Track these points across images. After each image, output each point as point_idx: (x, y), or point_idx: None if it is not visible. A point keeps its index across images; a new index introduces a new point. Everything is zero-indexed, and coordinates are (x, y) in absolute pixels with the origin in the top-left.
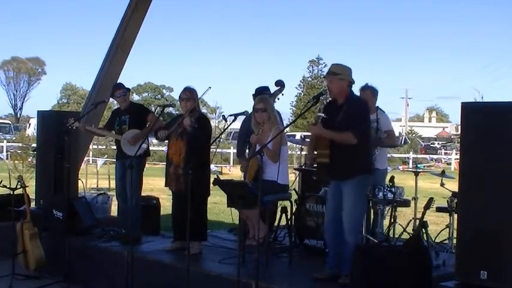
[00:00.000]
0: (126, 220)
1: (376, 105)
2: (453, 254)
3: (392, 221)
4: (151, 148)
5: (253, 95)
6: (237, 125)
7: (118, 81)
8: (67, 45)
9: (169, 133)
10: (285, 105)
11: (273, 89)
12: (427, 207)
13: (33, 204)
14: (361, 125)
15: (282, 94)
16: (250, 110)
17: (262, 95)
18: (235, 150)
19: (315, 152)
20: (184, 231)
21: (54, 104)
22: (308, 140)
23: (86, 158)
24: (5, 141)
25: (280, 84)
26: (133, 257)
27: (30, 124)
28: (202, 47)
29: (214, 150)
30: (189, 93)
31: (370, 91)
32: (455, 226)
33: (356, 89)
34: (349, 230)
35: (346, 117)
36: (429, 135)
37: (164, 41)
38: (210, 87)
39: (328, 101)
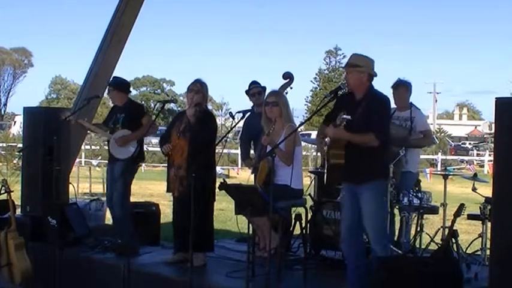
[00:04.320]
0: (119, 229)
1: (410, 101)
2: (486, 266)
3: (418, 229)
4: (150, 148)
5: (246, 91)
6: None
7: (115, 75)
8: (56, 35)
9: (170, 131)
10: (299, 101)
11: (280, 82)
12: (457, 214)
13: (18, 211)
14: (383, 124)
15: (291, 88)
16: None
17: (274, 90)
18: None
19: (331, 152)
20: (187, 240)
21: (42, 99)
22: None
23: (77, 160)
24: None
25: (288, 76)
26: (130, 270)
27: (15, 122)
28: (207, 36)
29: (221, 150)
30: (200, 86)
31: (405, 88)
32: (488, 235)
33: (382, 85)
34: (374, 239)
35: (366, 116)
36: (460, 134)
37: (165, 29)
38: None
39: (342, 93)
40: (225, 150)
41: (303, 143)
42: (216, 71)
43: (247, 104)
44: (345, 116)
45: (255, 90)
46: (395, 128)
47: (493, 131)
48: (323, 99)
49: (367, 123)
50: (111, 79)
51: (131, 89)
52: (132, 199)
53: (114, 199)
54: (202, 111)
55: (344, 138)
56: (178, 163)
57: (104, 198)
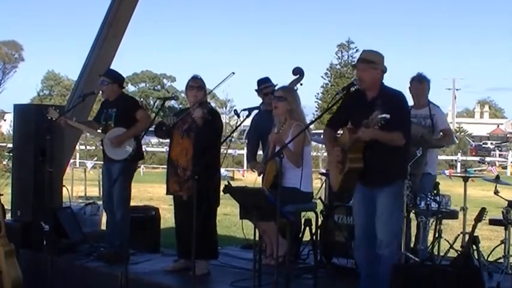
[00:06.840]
0: (112, 235)
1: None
2: (509, 275)
3: (437, 235)
4: (150, 149)
5: (256, 90)
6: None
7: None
8: (49, 27)
9: (172, 128)
10: (309, 98)
11: (290, 78)
12: (478, 219)
13: (8, 216)
14: (407, 122)
15: (301, 84)
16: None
17: (284, 85)
18: None
19: (348, 157)
20: (188, 247)
21: (34, 96)
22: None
23: (71, 161)
24: None
25: (298, 72)
26: (128, 279)
27: (5, 120)
28: (210, 29)
29: (225, 151)
30: (200, 82)
31: (427, 83)
32: (511, 242)
33: (396, 81)
34: (383, 243)
35: (389, 114)
36: (481, 134)
37: (165, 22)
38: (233, 73)
39: (351, 91)
40: (230, 151)
41: (313, 143)
42: (220, 66)
43: (253, 101)
44: (384, 115)
45: (269, 89)
46: (414, 127)
47: None
48: (334, 96)
49: (390, 122)
50: (106, 73)
51: (129, 85)
52: (131, 203)
53: (115, 202)
54: (208, 111)
55: (376, 137)
56: (184, 165)
57: (100, 202)
